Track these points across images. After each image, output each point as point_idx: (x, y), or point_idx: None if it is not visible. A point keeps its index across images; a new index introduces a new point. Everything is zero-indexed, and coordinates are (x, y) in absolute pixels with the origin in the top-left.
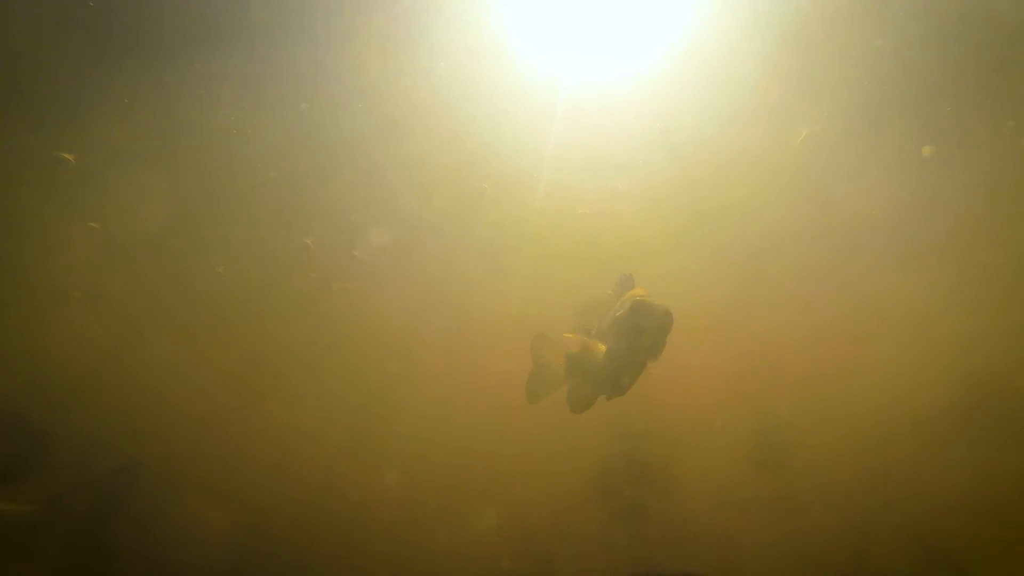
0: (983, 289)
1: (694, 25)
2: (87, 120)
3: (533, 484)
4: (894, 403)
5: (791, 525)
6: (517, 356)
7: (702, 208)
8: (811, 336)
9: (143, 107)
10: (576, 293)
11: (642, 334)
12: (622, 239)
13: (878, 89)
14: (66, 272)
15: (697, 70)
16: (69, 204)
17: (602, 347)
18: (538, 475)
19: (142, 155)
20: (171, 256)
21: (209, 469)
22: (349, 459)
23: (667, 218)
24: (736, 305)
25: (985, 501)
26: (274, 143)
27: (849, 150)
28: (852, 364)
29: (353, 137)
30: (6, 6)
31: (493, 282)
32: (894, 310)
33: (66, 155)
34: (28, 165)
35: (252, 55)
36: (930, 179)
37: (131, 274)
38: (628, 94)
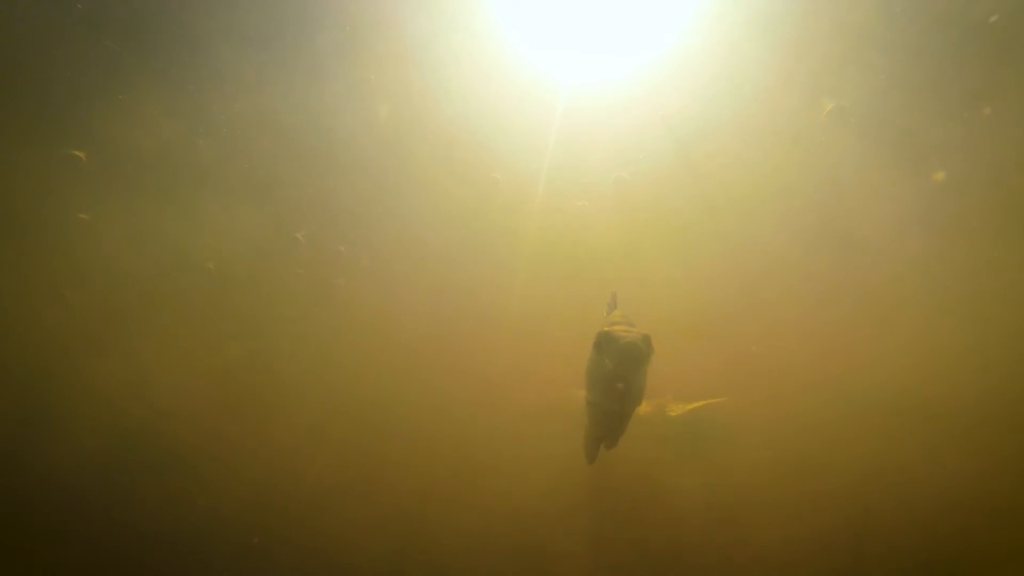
0: (987, 289)
1: (702, 11)
2: (83, 118)
3: (531, 483)
4: (895, 405)
5: (791, 526)
6: (518, 353)
7: (708, 202)
8: (815, 336)
9: (138, 105)
10: (577, 288)
11: (611, 376)
12: (626, 232)
13: (890, 81)
14: (58, 269)
15: (703, 60)
16: (62, 200)
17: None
18: (537, 474)
19: (135, 152)
20: (162, 251)
21: (207, 467)
22: (348, 456)
23: (672, 211)
24: (739, 303)
25: (986, 504)
26: (271, 139)
27: (861, 143)
28: (855, 366)
29: (353, 134)
30: (8, 5)
31: (494, 276)
32: (899, 310)
33: (76, 152)
34: (26, 163)
35: (250, 51)
36: (943, 171)
37: (123, 270)
38: (634, 83)
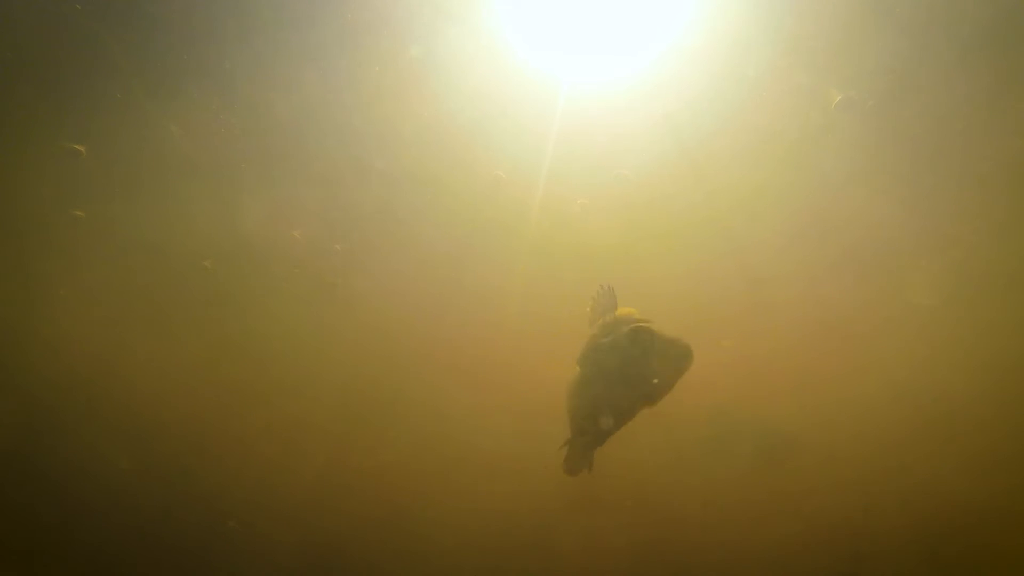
0: (986, 289)
1: (705, 7)
2: (77, 115)
3: (533, 481)
4: (897, 405)
5: (791, 526)
6: (517, 351)
7: (711, 200)
8: (818, 336)
9: (133, 102)
10: (577, 286)
11: (646, 374)
12: (630, 230)
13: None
14: (53, 268)
15: (706, 55)
16: (56, 197)
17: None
18: (538, 472)
19: (130, 149)
20: (158, 249)
21: (206, 467)
22: (347, 455)
23: (674, 209)
24: (743, 303)
25: (985, 504)
26: (269, 136)
27: (871, 138)
28: (855, 366)
29: (353, 132)
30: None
31: (496, 275)
32: (901, 311)
33: (77, 146)
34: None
35: (248, 47)
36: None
37: (117, 268)
38: (635, 80)
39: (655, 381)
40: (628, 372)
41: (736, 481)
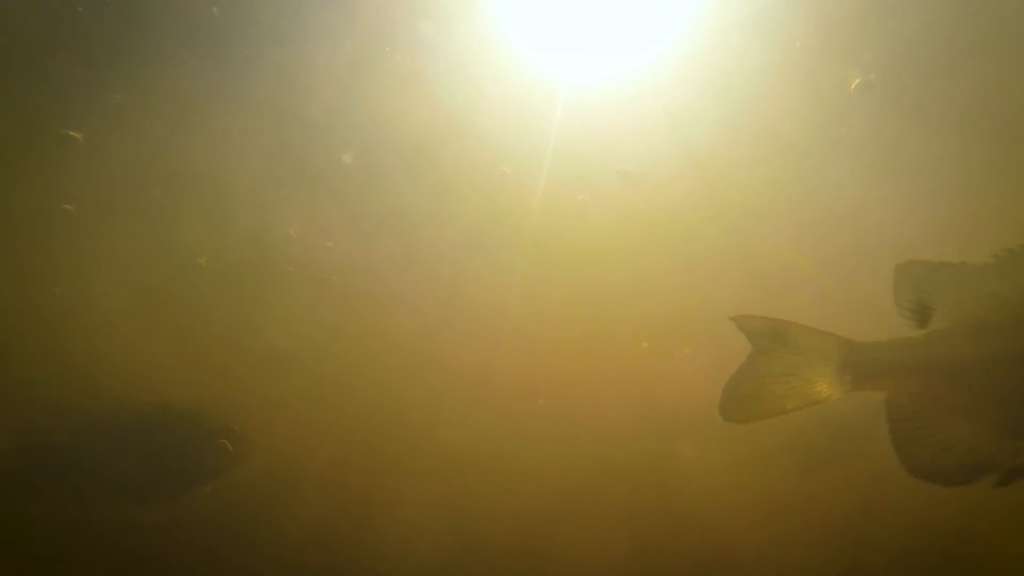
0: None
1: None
2: (74, 111)
3: (530, 483)
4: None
5: (791, 527)
6: (517, 353)
7: (715, 198)
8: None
9: (129, 99)
10: (581, 285)
11: None
12: (630, 227)
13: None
14: (49, 267)
15: (711, 49)
16: (48, 190)
17: None
18: (537, 474)
19: (126, 145)
20: (153, 247)
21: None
22: (347, 455)
23: (677, 206)
24: (746, 301)
25: (987, 504)
26: (267, 133)
27: (873, 139)
28: None
29: (349, 129)
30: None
31: (494, 272)
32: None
33: (73, 133)
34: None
35: (245, 43)
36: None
37: (113, 266)
38: (638, 78)
39: None
40: None
41: (737, 482)
